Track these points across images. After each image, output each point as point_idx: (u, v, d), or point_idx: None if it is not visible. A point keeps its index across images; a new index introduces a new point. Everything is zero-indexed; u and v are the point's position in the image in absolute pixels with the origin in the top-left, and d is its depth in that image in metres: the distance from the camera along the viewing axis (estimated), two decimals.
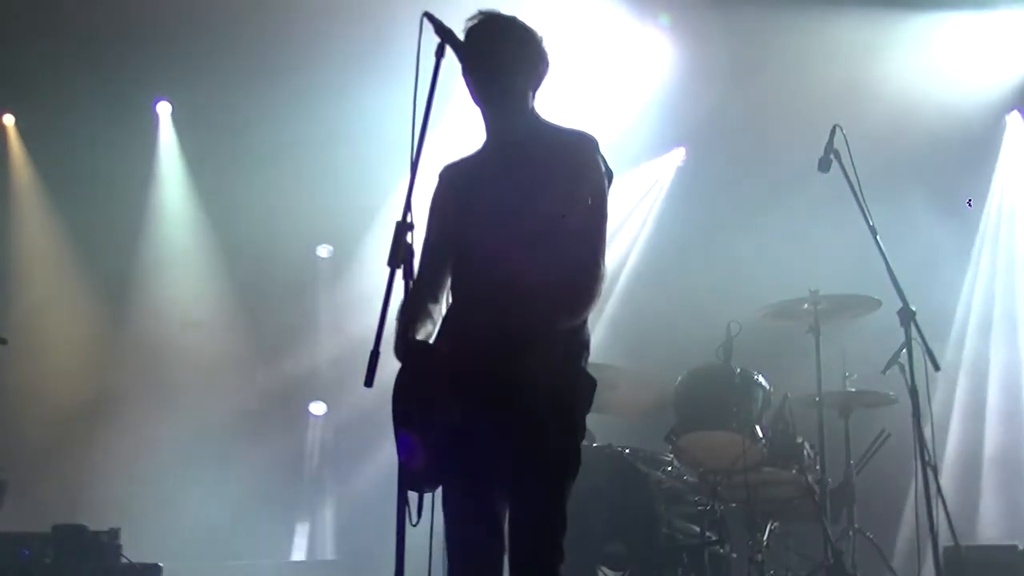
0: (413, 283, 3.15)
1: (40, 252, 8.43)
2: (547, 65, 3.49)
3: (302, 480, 8.72)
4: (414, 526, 3.08)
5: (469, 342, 3.22)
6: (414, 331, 3.33)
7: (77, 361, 8.29)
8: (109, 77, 7.81)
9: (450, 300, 3.45)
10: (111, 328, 8.41)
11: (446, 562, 3.32)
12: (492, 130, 3.46)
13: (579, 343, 3.30)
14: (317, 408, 8.78)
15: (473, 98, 3.43)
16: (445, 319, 3.40)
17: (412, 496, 3.13)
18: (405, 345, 3.29)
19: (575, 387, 3.26)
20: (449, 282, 3.45)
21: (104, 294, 8.45)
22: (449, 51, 3.28)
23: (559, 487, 3.20)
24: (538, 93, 3.51)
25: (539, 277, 3.17)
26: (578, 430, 3.28)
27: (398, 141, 3.29)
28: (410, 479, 3.10)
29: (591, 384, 3.28)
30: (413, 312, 3.29)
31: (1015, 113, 8.21)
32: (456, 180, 3.47)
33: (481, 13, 3.42)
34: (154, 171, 8.55)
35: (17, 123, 8.45)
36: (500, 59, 3.39)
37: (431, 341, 3.37)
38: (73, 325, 8.35)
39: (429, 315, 3.40)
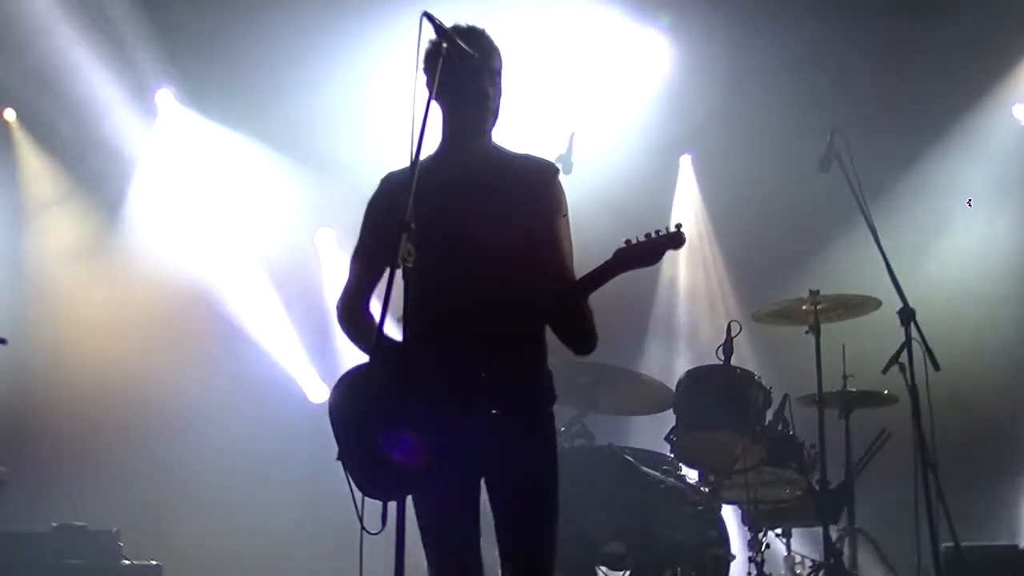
0: (348, 287, 3.39)
1: (42, 251, 8.43)
2: None
3: (302, 476, 8.69)
4: (375, 535, 3.05)
5: (454, 344, 3.25)
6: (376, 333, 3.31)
7: (77, 360, 8.28)
8: (109, 65, 7.80)
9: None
10: (111, 327, 8.40)
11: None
12: (457, 142, 3.43)
13: (544, 346, 3.40)
14: (317, 398, 8.76)
15: (448, 102, 3.37)
16: (418, 323, 3.21)
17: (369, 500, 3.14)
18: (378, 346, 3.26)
19: (545, 383, 3.39)
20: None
21: (104, 293, 8.44)
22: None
23: (548, 475, 3.29)
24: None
25: (526, 282, 3.24)
26: (551, 421, 3.39)
27: (399, 131, 3.26)
28: (399, 482, 2.98)
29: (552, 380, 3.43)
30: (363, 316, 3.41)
31: None
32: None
33: (463, 26, 3.37)
34: (152, 156, 8.53)
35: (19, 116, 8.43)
36: (493, 70, 3.42)
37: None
38: (73, 323, 8.35)
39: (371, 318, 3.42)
